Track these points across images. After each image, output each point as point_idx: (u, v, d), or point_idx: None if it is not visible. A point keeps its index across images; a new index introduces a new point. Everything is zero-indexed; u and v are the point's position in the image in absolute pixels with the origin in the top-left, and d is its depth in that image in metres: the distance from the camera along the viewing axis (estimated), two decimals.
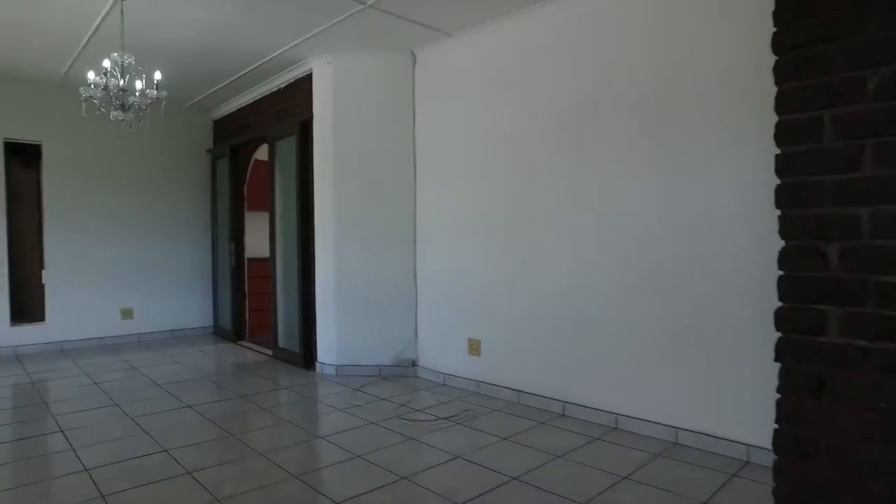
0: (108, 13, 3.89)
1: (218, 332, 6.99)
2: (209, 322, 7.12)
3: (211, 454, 3.13)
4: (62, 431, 3.46)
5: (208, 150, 7.03)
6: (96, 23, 4.09)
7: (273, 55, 4.90)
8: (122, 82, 3.62)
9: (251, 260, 6.73)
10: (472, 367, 4.38)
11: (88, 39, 4.44)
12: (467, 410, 3.86)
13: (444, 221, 4.62)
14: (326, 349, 5.05)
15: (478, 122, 4.32)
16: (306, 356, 5.23)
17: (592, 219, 3.60)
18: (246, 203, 6.67)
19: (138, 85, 3.71)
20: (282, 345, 5.63)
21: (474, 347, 4.36)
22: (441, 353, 4.66)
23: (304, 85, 5.24)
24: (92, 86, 3.50)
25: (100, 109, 3.67)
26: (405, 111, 4.85)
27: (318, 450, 3.27)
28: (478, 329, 4.34)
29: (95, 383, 4.65)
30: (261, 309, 6.78)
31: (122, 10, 3.66)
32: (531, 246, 3.96)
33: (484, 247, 4.29)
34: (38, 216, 6.01)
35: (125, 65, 3.59)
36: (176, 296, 6.85)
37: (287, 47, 4.70)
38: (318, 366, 5.10)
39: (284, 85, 5.56)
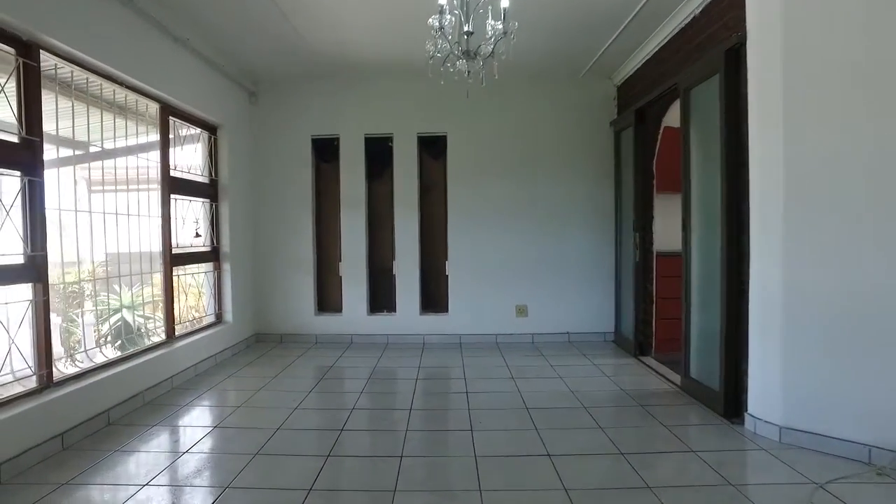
0: None
1: (618, 342, 5.80)
2: (609, 327, 6.00)
3: None
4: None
5: (611, 122, 5.89)
6: None
7: None
8: (468, 26, 2.76)
9: (661, 255, 5.26)
10: None
11: None
12: None
13: None
14: (763, 396, 3.20)
15: None
16: (729, 399, 3.48)
17: None
18: (654, 183, 5.23)
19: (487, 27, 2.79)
20: (694, 374, 3.99)
21: None
22: None
23: None
24: (434, 31, 2.74)
25: (445, 65, 2.90)
26: None
27: None
28: None
29: (465, 393, 4.10)
30: (672, 318, 5.25)
31: None
32: None
33: None
34: (444, 208, 6.05)
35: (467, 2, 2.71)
36: (573, 294, 5.98)
37: None
38: (747, 419, 3.30)
39: (700, 7, 3.89)
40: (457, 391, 4.18)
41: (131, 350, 3.95)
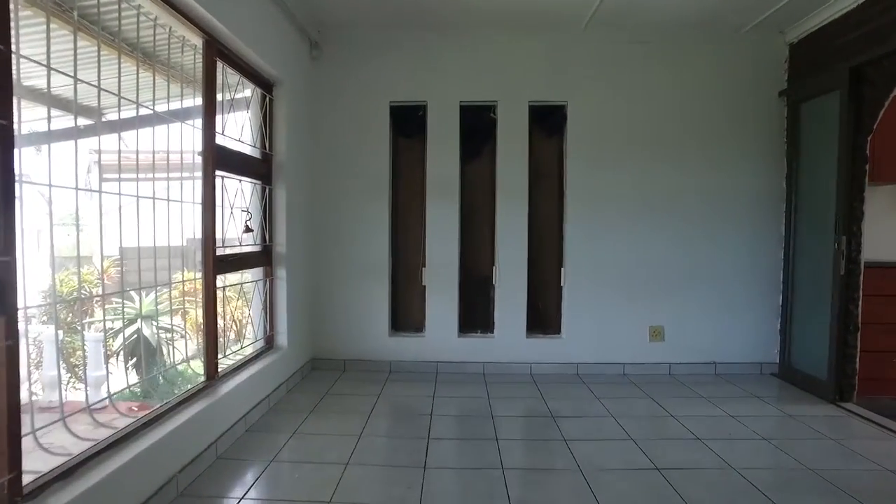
0: None
1: (786, 376, 4.41)
2: (769, 357, 4.60)
3: None
4: None
5: (784, 91, 4.47)
6: None
7: None
8: None
9: (868, 265, 3.87)
10: None
11: None
12: None
13: None
14: None
15: None
16: None
17: None
18: (868, 170, 3.83)
19: None
20: None
21: None
22: None
23: None
24: None
25: None
26: None
27: None
28: None
29: (657, 470, 2.71)
30: (878, 351, 3.90)
31: None
32: None
33: None
34: (559, 201, 4.66)
35: None
36: (723, 313, 4.58)
37: None
38: None
39: None
40: (644, 467, 2.79)
41: (159, 407, 2.57)
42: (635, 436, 3.22)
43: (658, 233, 4.55)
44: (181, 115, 2.88)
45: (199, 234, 3.03)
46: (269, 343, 3.93)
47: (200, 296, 3.05)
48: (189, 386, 2.93)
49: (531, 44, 4.48)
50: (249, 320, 3.76)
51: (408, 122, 4.60)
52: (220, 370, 3.13)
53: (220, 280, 3.19)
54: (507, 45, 4.49)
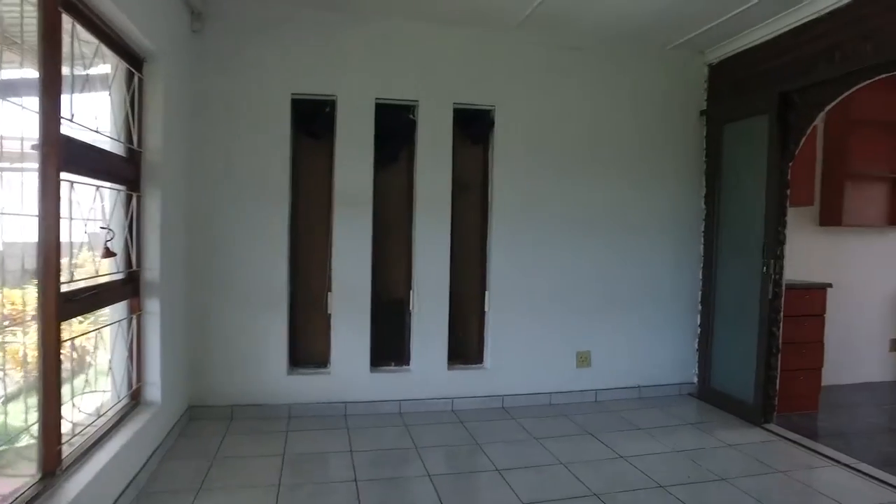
0: None
1: (706, 397, 4.38)
2: (687, 377, 4.56)
3: None
4: None
5: (702, 112, 4.45)
6: None
7: None
8: None
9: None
10: None
11: None
12: None
13: None
14: None
15: None
16: None
17: None
18: (789, 194, 3.86)
19: None
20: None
21: None
22: None
23: None
24: None
25: None
26: None
27: None
28: None
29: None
30: (791, 369, 3.99)
31: None
32: None
33: None
34: (483, 216, 4.21)
35: None
36: (646, 334, 4.45)
37: None
38: None
39: None
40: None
41: None
42: (596, 488, 2.85)
43: (586, 252, 4.29)
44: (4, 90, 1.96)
45: (31, 257, 2.10)
46: (136, 398, 2.99)
47: (34, 350, 2.11)
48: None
49: (458, 39, 3.98)
50: (110, 372, 2.79)
51: (314, 120, 3.85)
52: (64, 458, 2.20)
53: (67, 328, 2.26)
54: (432, 37, 3.95)
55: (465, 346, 4.25)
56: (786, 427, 3.81)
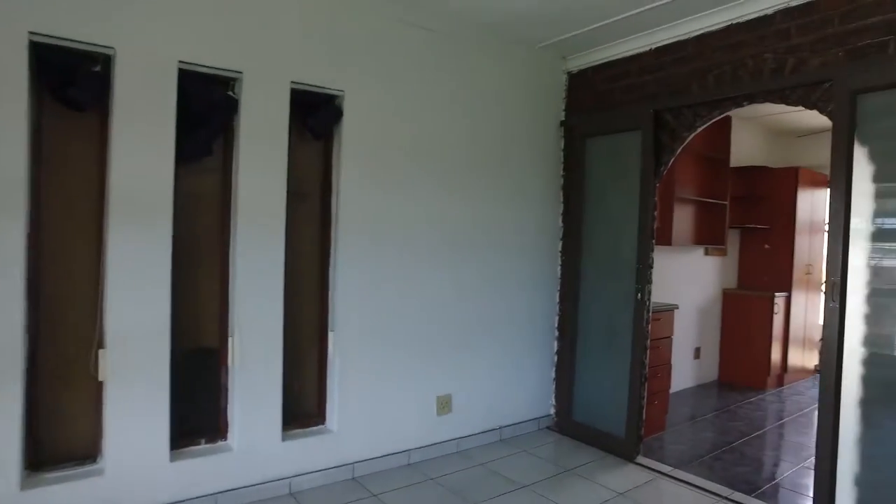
0: None
1: (567, 431, 4.06)
2: (543, 410, 4.20)
3: None
4: None
5: (562, 123, 4.12)
6: None
7: None
8: None
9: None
10: None
11: None
12: None
13: None
14: None
15: None
16: None
17: None
18: (656, 216, 3.70)
19: None
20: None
21: None
22: None
23: None
24: None
25: None
26: None
27: None
28: None
29: None
30: (654, 392, 3.93)
31: None
32: None
33: None
34: (325, 233, 3.25)
35: None
36: (505, 368, 3.96)
37: None
38: None
39: None
40: None
41: None
42: None
43: (448, 276, 3.61)
44: None
45: None
46: None
47: None
48: None
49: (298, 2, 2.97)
50: None
51: (74, 80, 2.46)
52: None
53: None
54: None
55: (302, 402, 3.24)
56: (652, 457, 3.64)
